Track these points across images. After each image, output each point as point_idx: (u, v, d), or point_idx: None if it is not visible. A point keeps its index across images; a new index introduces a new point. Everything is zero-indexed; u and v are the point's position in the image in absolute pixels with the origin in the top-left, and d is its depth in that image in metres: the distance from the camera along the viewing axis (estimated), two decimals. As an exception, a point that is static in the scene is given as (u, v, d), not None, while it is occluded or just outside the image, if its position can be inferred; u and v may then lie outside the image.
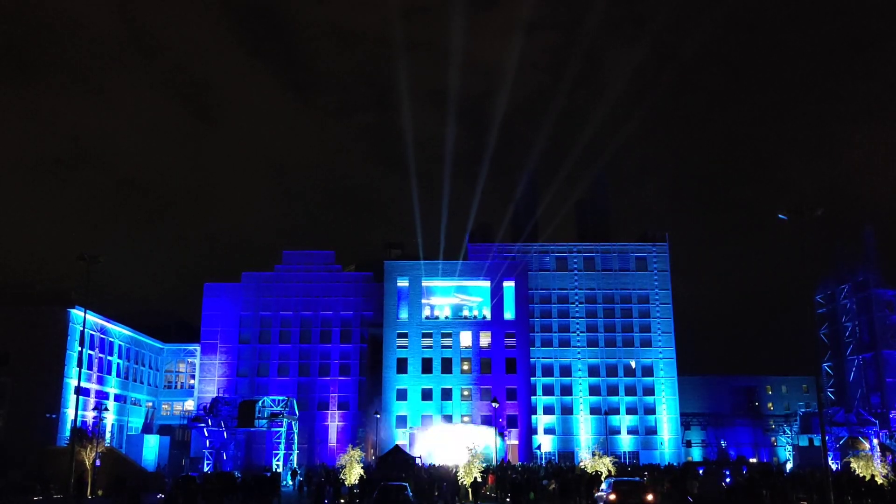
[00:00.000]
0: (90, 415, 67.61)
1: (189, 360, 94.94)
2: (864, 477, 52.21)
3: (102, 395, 76.41)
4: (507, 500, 47.39)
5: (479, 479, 49.46)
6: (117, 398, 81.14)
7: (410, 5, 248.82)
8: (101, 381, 77.39)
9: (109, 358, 79.75)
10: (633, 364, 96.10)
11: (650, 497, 37.75)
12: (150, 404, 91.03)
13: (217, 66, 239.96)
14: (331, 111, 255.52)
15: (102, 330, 77.91)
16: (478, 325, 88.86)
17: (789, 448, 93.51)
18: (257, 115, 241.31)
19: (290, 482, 66.24)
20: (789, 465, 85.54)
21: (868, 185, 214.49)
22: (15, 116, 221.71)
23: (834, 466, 67.40)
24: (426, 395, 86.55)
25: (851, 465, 59.91)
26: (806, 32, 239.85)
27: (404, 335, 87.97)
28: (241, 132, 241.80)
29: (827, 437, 49.79)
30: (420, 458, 70.00)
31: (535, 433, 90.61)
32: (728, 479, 53.74)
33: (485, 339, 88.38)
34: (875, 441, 75.15)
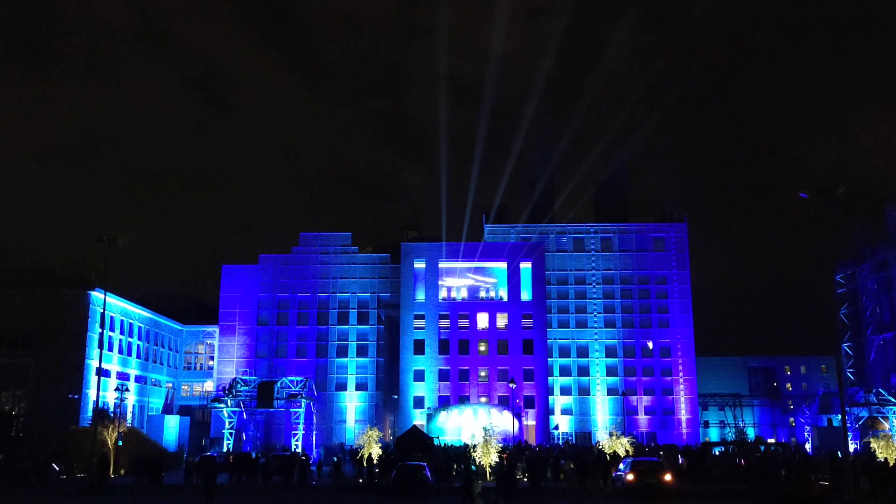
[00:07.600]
0: (111, 395, 68.33)
1: (208, 341, 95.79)
2: (887, 459, 51.68)
3: (123, 376, 77.32)
4: (525, 479, 47.52)
5: (497, 460, 49.61)
6: (138, 379, 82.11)
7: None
8: (121, 362, 78.26)
9: (130, 339, 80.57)
10: (650, 345, 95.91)
11: (668, 477, 37.73)
12: (170, 385, 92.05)
13: (227, 53, 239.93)
14: (340, 96, 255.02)
15: (122, 312, 78.66)
16: (495, 307, 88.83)
17: (808, 429, 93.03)
18: (268, 100, 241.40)
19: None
20: (808, 446, 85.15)
21: (884, 165, 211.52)
22: (30, 104, 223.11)
23: (853, 447, 67.00)
24: (443, 375, 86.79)
25: (871, 446, 59.47)
26: (817, 13, 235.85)
27: (421, 316, 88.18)
28: (252, 118, 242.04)
29: (846, 418, 49.37)
30: (437, 438, 70.33)
31: (553, 414, 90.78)
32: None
33: (502, 320, 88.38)
34: (895, 421, 74.59)
